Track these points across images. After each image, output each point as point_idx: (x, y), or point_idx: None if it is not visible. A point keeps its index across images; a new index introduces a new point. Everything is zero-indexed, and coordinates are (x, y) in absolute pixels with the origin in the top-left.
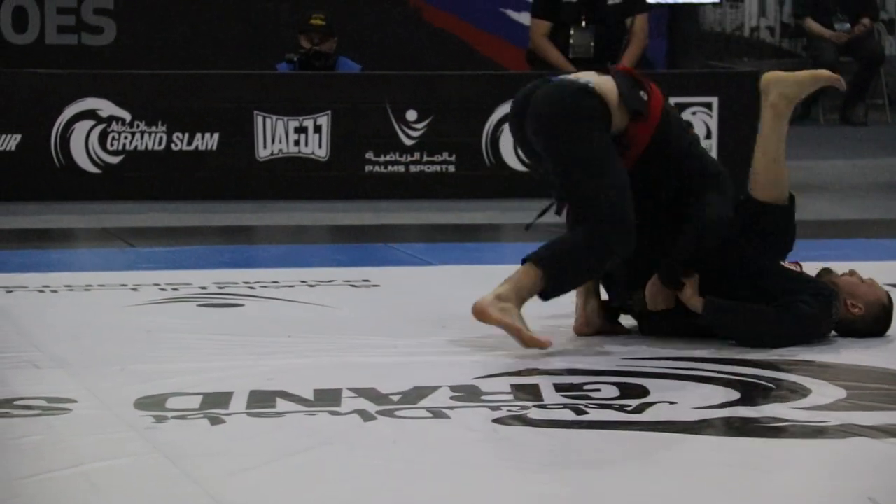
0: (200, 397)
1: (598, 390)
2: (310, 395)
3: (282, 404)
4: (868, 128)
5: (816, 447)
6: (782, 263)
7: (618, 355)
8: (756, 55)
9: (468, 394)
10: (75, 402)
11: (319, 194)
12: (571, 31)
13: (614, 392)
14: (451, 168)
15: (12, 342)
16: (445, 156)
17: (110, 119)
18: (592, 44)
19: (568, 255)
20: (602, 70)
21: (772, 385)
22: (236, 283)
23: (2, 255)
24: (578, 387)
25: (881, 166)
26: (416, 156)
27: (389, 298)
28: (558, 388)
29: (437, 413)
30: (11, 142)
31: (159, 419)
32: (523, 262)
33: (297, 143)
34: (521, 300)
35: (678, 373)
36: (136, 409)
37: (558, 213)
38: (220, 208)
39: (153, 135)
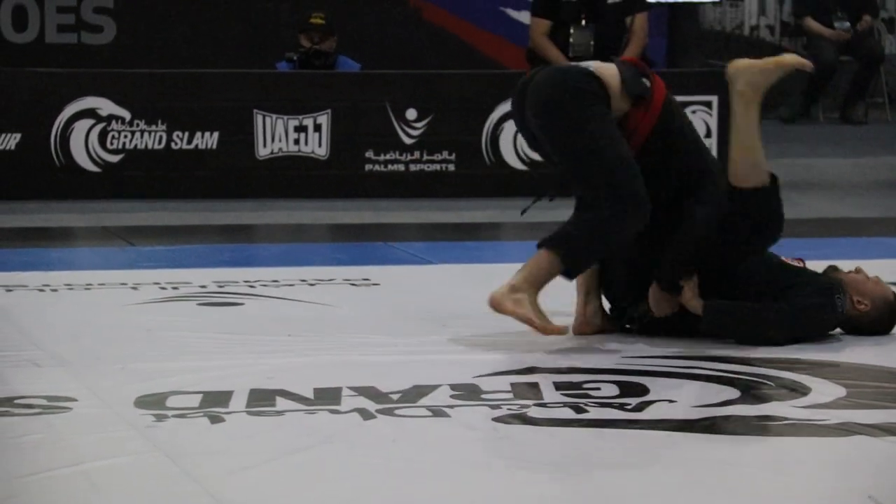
0: (200, 396)
1: (598, 389)
2: (310, 394)
3: (282, 403)
4: (868, 126)
5: (816, 445)
6: (785, 260)
7: (618, 354)
8: (756, 54)
9: (468, 392)
10: (75, 400)
11: (319, 193)
12: (571, 30)
13: (614, 390)
14: (451, 167)
15: (12, 341)
16: (445, 155)
17: (110, 118)
18: (592, 42)
19: (582, 232)
20: (605, 60)
21: (771, 383)
22: (236, 282)
23: (2, 254)
24: (578, 385)
25: (881, 165)
26: (416, 155)
27: (389, 297)
28: (558, 386)
29: (436, 412)
30: (11, 141)
31: (159, 418)
32: (538, 247)
33: (297, 142)
34: (536, 287)
35: (678, 371)
36: (137, 408)
37: (551, 198)
38: (220, 207)
39: (153, 134)
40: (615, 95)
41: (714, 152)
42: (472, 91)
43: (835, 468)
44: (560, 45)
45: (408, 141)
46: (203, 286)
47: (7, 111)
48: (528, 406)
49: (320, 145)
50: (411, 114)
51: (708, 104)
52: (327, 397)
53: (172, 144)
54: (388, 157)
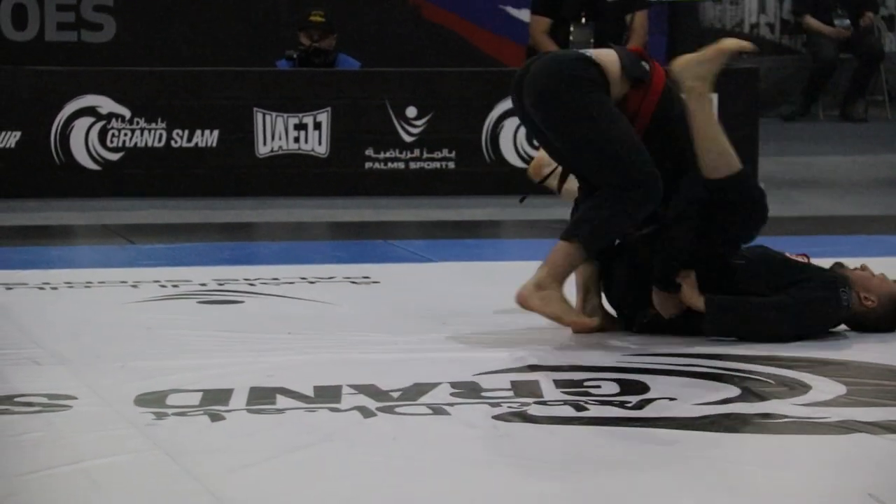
0: (201, 394)
1: (599, 387)
2: (310, 392)
3: (282, 401)
4: (868, 124)
5: (816, 443)
6: (790, 256)
7: (618, 352)
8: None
9: (468, 390)
10: (75, 398)
11: (319, 191)
12: (571, 28)
13: (614, 388)
14: (451, 165)
15: (13, 339)
16: (445, 152)
17: (110, 116)
18: (592, 40)
19: (599, 218)
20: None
21: (772, 381)
22: (236, 280)
23: (2, 252)
24: (579, 383)
25: (881, 163)
26: (416, 152)
27: (389, 295)
28: (558, 384)
29: (437, 410)
30: (11, 139)
31: (159, 416)
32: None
33: (296, 139)
34: (561, 280)
35: (678, 369)
36: (137, 406)
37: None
38: (220, 205)
39: (153, 132)
40: (614, 81)
41: None
42: (472, 89)
43: (835, 466)
44: (560, 42)
45: (408, 139)
46: (203, 284)
47: (7, 109)
48: (528, 404)
49: (320, 143)
50: (411, 112)
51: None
52: (327, 395)
53: (172, 142)
54: (388, 154)
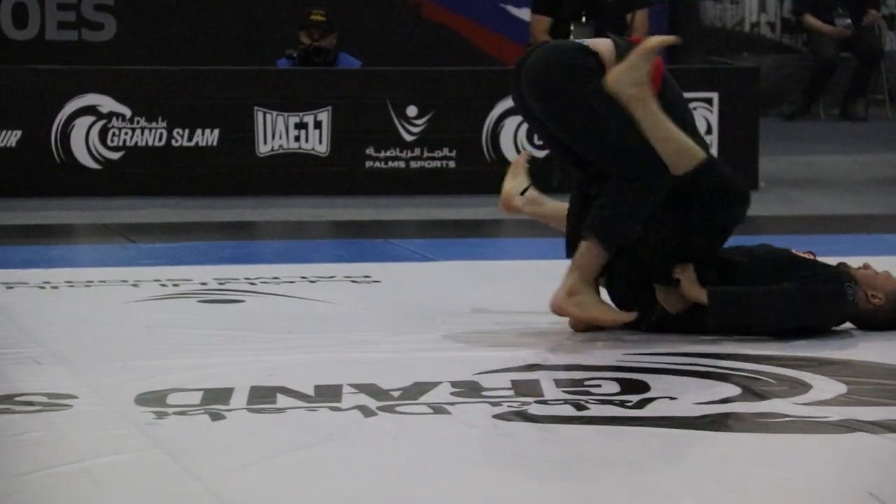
0: (201, 393)
1: (599, 386)
2: (310, 391)
3: (282, 400)
4: (868, 123)
5: (817, 442)
6: (796, 252)
7: (618, 351)
8: (756, 50)
9: (469, 389)
10: (76, 398)
11: (320, 190)
12: (572, 27)
13: (615, 388)
14: (452, 164)
15: (13, 338)
16: (446, 151)
17: (110, 115)
18: None
19: (614, 211)
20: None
21: (772, 380)
22: (237, 279)
23: (3, 252)
24: (579, 382)
25: (881, 162)
26: (417, 151)
27: (390, 294)
28: (559, 383)
29: (437, 409)
30: (12, 138)
31: (160, 415)
32: (582, 238)
33: (297, 138)
34: (590, 280)
35: (679, 368)
36: (137, 405)
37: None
38: (221, 204)
39: (153, 131)
40: (611, 68)
41: (714, 149)
42: (473, 88)
43: (835, 465)
44: None
45: (408, 138)
46: (203, 283)
47: (8, 108)
48: (528, 403)
49: (321, 142)
50: (412, 111)
51: (709, 101)
52: (328, 394)
53: (173, 141)
54: (388, 153)
